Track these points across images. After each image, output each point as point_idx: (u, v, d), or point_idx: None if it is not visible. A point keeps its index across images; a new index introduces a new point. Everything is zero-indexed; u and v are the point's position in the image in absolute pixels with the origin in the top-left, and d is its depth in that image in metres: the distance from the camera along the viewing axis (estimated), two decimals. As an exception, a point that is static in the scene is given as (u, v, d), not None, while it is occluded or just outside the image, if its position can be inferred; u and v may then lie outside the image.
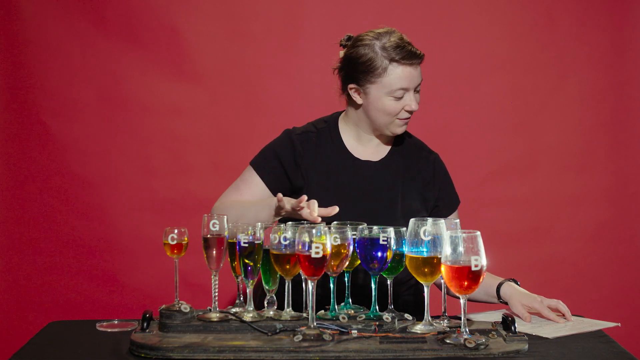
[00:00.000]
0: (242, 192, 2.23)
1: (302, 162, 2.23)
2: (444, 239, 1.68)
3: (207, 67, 3.33)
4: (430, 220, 1.76)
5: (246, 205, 2.15)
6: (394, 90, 2.14)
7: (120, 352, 1.76)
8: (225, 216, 1.88)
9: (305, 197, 1.89)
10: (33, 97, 3.29)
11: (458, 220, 1.90)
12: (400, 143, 2.32)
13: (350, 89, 2.21)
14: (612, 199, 3.41)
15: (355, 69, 2.18)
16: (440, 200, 2.31)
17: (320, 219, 1.86)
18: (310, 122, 2.34)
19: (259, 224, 1.84)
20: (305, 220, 1.88)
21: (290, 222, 1.81)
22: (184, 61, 3.32)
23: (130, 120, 3.33)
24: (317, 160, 2.24)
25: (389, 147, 2.31)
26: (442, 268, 1.67)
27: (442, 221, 1.77)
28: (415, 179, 2.28)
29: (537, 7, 3.37)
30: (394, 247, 1.83)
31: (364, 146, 2.29)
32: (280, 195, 1.96)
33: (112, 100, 3.32)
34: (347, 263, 1.82)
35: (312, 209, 1.87)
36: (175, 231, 1.92)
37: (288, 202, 1.95)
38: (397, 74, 2.13)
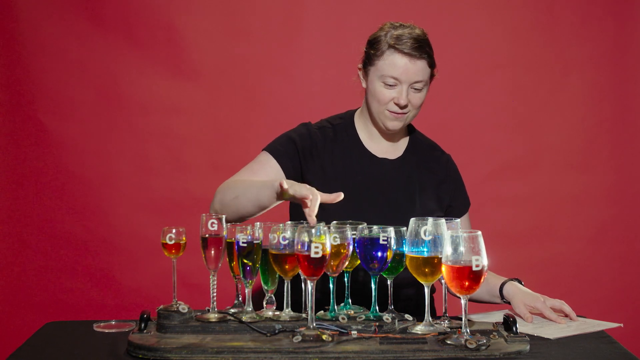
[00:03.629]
0: (256, 173, 2.17)
1: (318, 155, 2.21)
2: (445, 238, 1.66)
3: (205, 66, 3.32)
4: (430, 219, 1.75)
5: (248, 184, 2.07)
6: (385, 77, 2.13)
7: (118, 353, 1.75)
8: (224, 215, 1.86)
9: (310, 195, 1.79)
10: (30, 95, 3.27)
11: (459, 220, 1.88)
12: (415, 142, 2.32)
13: (359, 69, 2.24)
14: (614, 198, 3.40)
15: (366, 50, 2.20)
16: (453, 201, 2.31)
17: (315, 223, 1.76)
18: (324, 119, 2.32)
19: (258, 223, 1.83)
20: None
21: (289, 222, 1.80)
22: (182, 59, 3.31)
23: (128, 119, 3.32)
24: (334, 155, 2.23)
25: (404, 146, 2.30)
26: (443, 268, 1.66)
27: (442, 221, 1.75)
28: (430, 179, 2.28)
29: (538, 5, 3.37)
30: (394, 247, 1.82)
31: (379, 143, 2.28)
32: (282, 181, 1.88)
33: (110, 99, 3.31)
34: (346, 263, 1.80)
35: (312, 208, 1.78)
36: (173, 231, 1.91)
37: (292, 188, 1.83)
38: (391, 61, 2.13)
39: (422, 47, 2.13)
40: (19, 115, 3.29)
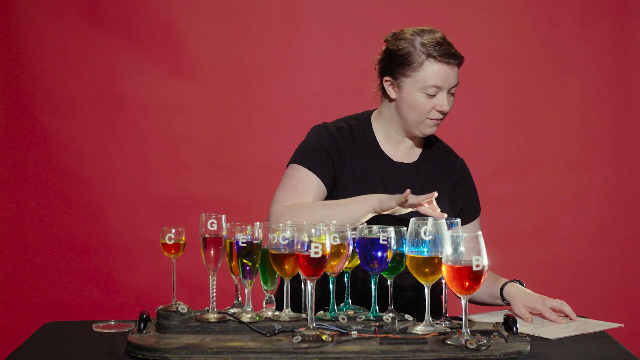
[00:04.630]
0: (301, 191, 2.11)
1: (344, 156, 2.19)
2: (445, 238, 1.66)
3: (204, 65, 3.32)
4: (430, 219, 1.75)
5: (329, 206, 2.04)
6: (427, 87, 2.12)
7: (117, 354, 1.74)
8: (223, 215, 1.86)
9: (434, 194, 1.91)
10: (29, 95, 3.28)
11: (459, 220, 1.87)
12: (430, 146, 2.31)
13: (386, 81, 2.19)
14: (615, 198, 3.39)
15: (393, 62, 2.16)
16: (465, 204, 2.30)
17: (446, 215, 1.87)
18: (339, 119, 2.29)
19: (258, 223, 1.82)
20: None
21: (289, 222, 1.79)
22: (182, 59, 3.31)
23: (127, 118, 3.32)
24: (352, 157, 2.21)
25: (419, 150, 2.29)
26: (443, 268, 1.65)
27: (442, 221, 1.75)
28: (444, 183, 2.27)
29: (539, 4, 3.36)
30: (394, 247, 1.81)
31: (396, 147, 2.26)
32: (408, 191, 1.91)
33: (109, 99, 3.31)
34: (346, 263, 1.80)
35: (433, 206, 1.91)
36: (173, 231, 1.90)
37: (415, 198, 1.91)
38: (433, 71, 2.12)
39: (456, 52, 2.15)
40: (18, 115, 3.28)
